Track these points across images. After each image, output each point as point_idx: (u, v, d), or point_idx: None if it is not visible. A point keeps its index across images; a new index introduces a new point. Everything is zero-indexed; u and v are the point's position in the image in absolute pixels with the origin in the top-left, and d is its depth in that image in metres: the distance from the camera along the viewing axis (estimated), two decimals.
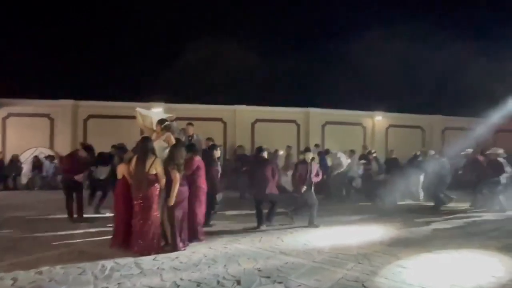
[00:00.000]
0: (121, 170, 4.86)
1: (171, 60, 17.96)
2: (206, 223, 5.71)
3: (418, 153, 9.72)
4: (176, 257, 4.33)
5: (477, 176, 8.69)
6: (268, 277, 3.69)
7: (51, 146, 11.75)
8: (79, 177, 6.47)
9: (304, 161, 6.55)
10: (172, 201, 4.44)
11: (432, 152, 9.34)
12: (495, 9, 19.90)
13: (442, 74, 17.72)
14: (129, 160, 4.77)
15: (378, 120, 14.11)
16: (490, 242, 5.31)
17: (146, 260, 4.20)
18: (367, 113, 14.14)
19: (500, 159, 8.31)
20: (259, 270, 3.91)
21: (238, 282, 3.54)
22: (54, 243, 4.97)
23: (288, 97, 15.17)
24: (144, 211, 4.41)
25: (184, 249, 4.60)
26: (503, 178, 8.08)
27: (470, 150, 9.33)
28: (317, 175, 6.54)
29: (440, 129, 14.85)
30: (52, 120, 12.04)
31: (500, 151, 8.40)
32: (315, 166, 6.62)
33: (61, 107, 12.03)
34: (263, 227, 6.01)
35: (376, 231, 5.91)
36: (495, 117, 13.26)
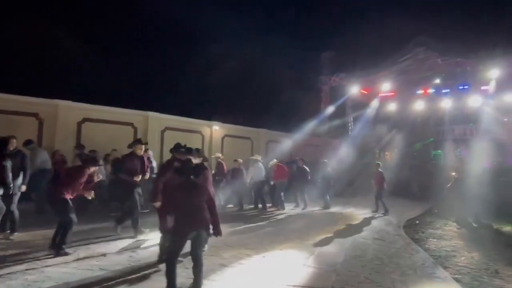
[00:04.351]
0: None
1: None
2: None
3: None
4: None
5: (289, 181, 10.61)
6: None
7: None
8: None
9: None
10: None
11: (259, 157, 10.73)
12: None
13: (270, 93, 20.66)
14: None
15: (216, 129, 15.00)
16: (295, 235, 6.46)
17: None
18: (206, 122, 14.82)
19: (305, 167, 10.48)
20: None
21: None
22: None
23: (127, 99, 14.20)
24: None
25: None
26: (308, 180, 10.32)
27: (275, 161, 11.02)
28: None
29: (265, 141, 17.13)
30: None
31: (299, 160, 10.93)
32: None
33: None
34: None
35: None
36: (304, 133, 16.59)
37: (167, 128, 13.33)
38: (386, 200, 10.26)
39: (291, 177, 10.77)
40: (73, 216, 4.89)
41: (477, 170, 9.80)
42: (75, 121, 11.08)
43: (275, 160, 10.92)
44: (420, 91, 16.69)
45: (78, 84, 15.10)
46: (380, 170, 10.57)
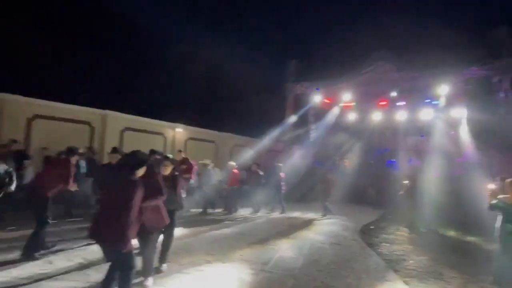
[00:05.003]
0: None
1: None
2: None
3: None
4: None
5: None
6: None
7: None
8: None
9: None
10: None
11: (208, 161, 10.71)
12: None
13: (236, 97, 20.64)
14: None
15: (179, 131, 14.68)
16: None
17: None
18: (169, 124, 14.45)
19: (259, 171, 10.78)
20: None
21: None
22: None
23: (86, 97, 13.48)
24: None
25: None
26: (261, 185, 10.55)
27: (233, 164, 11.07)
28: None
29: (229, 145, 17.06)
30: None
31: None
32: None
33: None
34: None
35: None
36: (267, 139, 16.80)
37: (127, 129, 12.82)
38: (345, 207, 10.67)
39: (244, 182, 10.90)
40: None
41: (426, 179, 10.46)
42: (25, 117, 10.29)
43: (233, 164, 10.92)
44: (378, 103, 17.57)
45: (30, 79, 14.08)
46: (329, 176, 11.18)
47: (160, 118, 14.17)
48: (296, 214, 10.99)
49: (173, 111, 15.74)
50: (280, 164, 11.74)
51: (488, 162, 12.58)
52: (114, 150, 6.74)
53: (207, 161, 10.66)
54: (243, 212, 10.44)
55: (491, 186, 4.95)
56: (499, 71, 14.58)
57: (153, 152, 5.22)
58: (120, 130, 12.61)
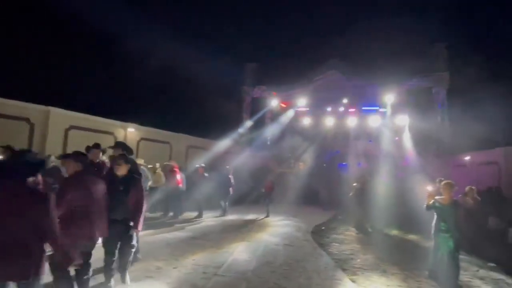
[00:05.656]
0: None
1: None
2: None
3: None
4: None
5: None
6: None
7: None
8: None
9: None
10: None
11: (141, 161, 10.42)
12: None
13: (193, 98, 20.20)
14: None
15: (131, 131, 14.00)
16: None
17: None
18: (120, 123, 13.71)
19: (205, 174, 10.78)
20: None
21: None
22: None
23: (23, 90, 12.31)
24: None
25: None
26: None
27: (172, 164, 10.88)
28: None
29: (185, 146, 16.66)
30: None
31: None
32: None
33: None
34: None
35: None
36: (224, 141, 16.70)
37: (72, 127, 11.93)
38: (298, 208, 10.94)
39: (191, 184, 10.72)
40: None
41: (374, 182, 11.10)
42: None
43: (172, 164, 10.68)
44: (330, 109, 18.36)
45: None
46: (271, 178, 11.78)
47: (111, 117, 13.39)
48: (251, 216, 11.03)
49: (125, 110, 15.00)
50: (228, 167, 11.72)
51: (427, 166, 13.72)
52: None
53: (140, 160, 10.20)
54: (190, 215, 10.24)
55: (429, 188, 5.38)
56: (436, 83, 16.03)
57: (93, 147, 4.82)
58: (64, 128, 11.70)
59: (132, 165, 4.23)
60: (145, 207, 4.23)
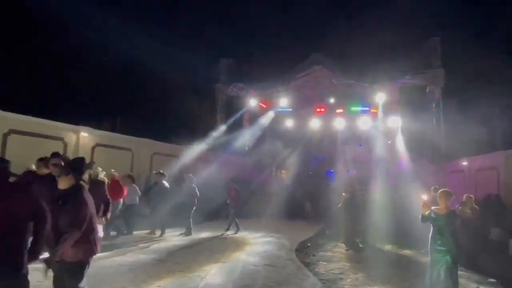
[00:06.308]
0: None
1: None
2: None
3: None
4: None
5: None
6: None
7: None
8: None
9: None
10: None
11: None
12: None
13: (159, 99, 19.95)
14: None
15: (84, 136, 13.55)
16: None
17: None
18: (71, 127, 13.24)
19: (165, 183, 10.52)
20: None
21: None
22: None
23: None
24: None
25: None
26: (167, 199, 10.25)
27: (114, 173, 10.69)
28: None
29: (149, 153, 16.33)
30: None
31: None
32: None
33: None
34: None
35: None
36: (196, 146, 16.51)
37: (12, 131, 11.42)
38: (280, 223, 10.92)
39: (150, 196, 10.51)
40: None
41: (364, 191, 11.29)
42: None
43: (113, 172, 10.33)
44: (316, 109, 18.61)
45: None
46: (235, 186, 11.64)
47: (60, 120, 12.91)
48: (228, 232, 10.94)
49: (77, 111, 14.56)
50: (191, 174, 11.50)
51: (421, 172, 14.11)
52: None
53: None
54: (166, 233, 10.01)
55: (425, 196, 5.50)
56: (431, 81, 16.59)
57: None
58: (3, 133, 11.19)
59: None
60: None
